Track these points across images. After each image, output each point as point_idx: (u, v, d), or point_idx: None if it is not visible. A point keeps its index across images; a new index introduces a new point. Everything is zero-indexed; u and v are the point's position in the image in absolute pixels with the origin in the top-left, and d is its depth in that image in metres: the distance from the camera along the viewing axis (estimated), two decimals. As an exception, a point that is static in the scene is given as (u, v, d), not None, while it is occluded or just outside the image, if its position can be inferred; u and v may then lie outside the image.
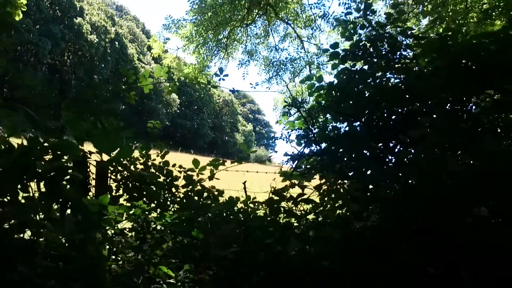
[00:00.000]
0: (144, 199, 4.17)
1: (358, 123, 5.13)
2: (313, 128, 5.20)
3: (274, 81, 17.91)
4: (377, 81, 5.36)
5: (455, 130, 3.20)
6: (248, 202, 4.35)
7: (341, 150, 4.54)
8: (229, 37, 16.63)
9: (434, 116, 3.85)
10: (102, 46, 68.17)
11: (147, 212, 3.74)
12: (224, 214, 3.51)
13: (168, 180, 4.35)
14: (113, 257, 3.02)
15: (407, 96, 4.93)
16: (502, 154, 2.83)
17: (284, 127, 5.07)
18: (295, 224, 3.81)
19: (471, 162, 3.11)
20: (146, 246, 3.04)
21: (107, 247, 2.99)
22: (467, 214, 2.85)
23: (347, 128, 5.12)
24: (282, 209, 3.58)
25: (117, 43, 73.75)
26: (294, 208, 4.17)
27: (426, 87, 4.60)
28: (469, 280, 2.63)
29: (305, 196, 3.82)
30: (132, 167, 4.36)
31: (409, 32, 5.32)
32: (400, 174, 3.42)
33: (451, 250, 2.78)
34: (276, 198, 3.67)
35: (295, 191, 4.46)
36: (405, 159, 3.87)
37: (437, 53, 4.88)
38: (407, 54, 5.50)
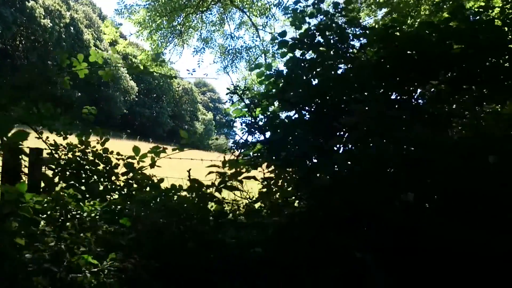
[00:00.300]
0: (83, 187, 4.04)
1: (306, 111, 5.14)
2: (263, 116, 5.17)
3: (230, 69, 17.85)
4: (325, 70, 5.38)
5: (387, 118, 3.24)
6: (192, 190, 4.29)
7: (289, 138, 4.54)
8: (184, 24, 16.35)
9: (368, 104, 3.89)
10: (56, 31, 65.79)
11: (86, 201, 3.61)
12: (156, 202, 3.44)
13: (107, 168, 4.22)
14: (38, 245, 2.89)
15: (355, 85, 4.97)
16: (432, 143, 2.89)
17: (229, 114, 5.02)
18: (237, 211, 3.77)
19: (401, 149, 3.17)
20: (65, 234, 2.93)
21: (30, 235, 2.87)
22: (395, 199, 2.90)
23: (296, 116, 5.13)
24: (208, 195, 3.53)
25: (72, 28, 71.34)
26: (239, 195, 4.14)
27: (366, 77, 4.66)
28: (373, 264, 2.68)
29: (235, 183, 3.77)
30: (70, 155, 4.21)
31: (355, 22, 5.36)
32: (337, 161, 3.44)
33: (379, 235, 2.82)
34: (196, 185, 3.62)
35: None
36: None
37: (382, 43, 4.94)
38: (355, 44, 5.54)
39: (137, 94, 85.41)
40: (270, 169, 4.64)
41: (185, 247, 3.01)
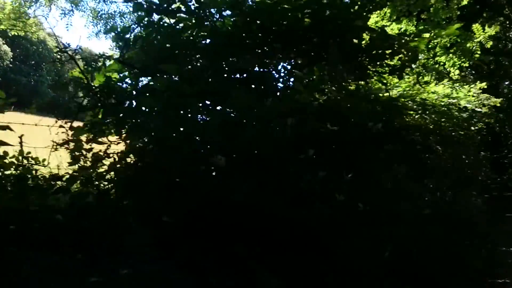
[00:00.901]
0: None
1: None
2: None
3: (103, 35, 16.78)
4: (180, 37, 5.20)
5: (203, 81, 3.20)
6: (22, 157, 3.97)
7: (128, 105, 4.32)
8: (51, -18, 14.95)
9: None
10: None
11: None
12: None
13: None
14: None
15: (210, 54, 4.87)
16: (249, 107, 2.90)
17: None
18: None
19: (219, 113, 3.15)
20: None
21: None
22: (204, 163, 2.88)
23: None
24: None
25: None
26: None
27: (220, 46, 4.59)
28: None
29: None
30: None
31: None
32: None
33: (187, 199, 2.80)
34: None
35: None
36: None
37: (232, 11, 4.89)
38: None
39: (11, 60, 77.94)
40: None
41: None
